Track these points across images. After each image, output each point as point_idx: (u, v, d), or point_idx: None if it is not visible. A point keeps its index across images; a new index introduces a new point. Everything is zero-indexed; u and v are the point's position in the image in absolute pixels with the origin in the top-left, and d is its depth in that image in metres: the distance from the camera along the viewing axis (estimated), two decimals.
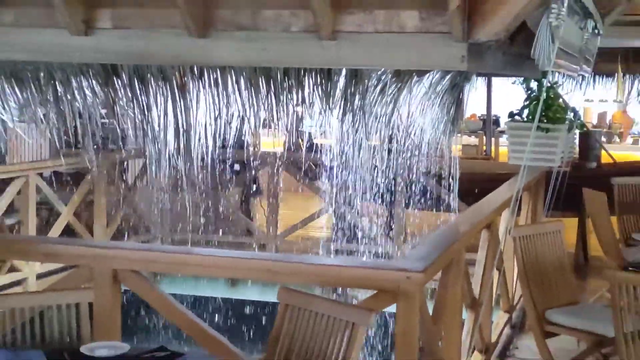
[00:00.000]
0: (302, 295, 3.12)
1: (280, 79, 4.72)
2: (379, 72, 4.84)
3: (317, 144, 9.10)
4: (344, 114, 4.89)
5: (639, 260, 6.55)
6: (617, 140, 14.04)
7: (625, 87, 16.51)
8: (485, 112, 11.72)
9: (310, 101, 4.86)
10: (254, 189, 10.37)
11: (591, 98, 15.59)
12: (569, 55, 4.74)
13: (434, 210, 8.48)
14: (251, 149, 9.36)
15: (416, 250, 3.78)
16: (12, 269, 7.46)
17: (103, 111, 6.13)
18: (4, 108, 5.41)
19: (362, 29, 4.05)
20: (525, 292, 4.63)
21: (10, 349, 2.89)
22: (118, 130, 7.28)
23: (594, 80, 15.93)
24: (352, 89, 4.75)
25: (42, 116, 5.80)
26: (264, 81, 4.77)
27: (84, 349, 2.85)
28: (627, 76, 16.92)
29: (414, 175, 7.81)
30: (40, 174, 8.04)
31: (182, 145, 5.39)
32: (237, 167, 10.11)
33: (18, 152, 8.97)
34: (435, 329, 3.77)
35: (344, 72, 4.65)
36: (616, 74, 16.27)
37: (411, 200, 8.31)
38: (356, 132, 5.23)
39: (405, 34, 3.99)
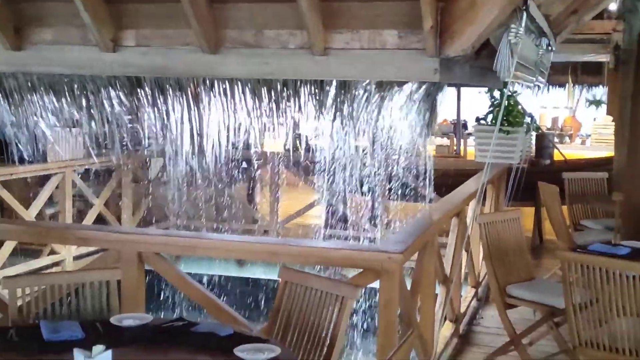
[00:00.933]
0: (299, 273, 3.13)
1: (280, 89, 4.72)
2: (365, 83, 4.84)
3: (312, 145, 9.10)
4: (335, 119, 4.89)
5: (585, 242, 6.56)
6: (568, 141, 14.07)
7: (574, 96, 16.58)
8: (455, 117, 11.71)
9: (306, 108, 4.88)
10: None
11: (545, 105, 15.65)
12: (525, 68, 4.75)
13: (412, 201, 8.50)
14: (256, 149, 9.35)
15: (396, 235, 3.79)
16: (52, 252, 7.46)
17: (128, 117, 6.14)
18: (42, 115, 5.40)
19: (350, 46, 4.06)
20: (489, 270, 4.65)
21: (50, 321, 2.89)
22: (141, 133, 7.29)
23: (548, 90, 15.98)
24: (342, 98, 4.75)
25: (75, 121, 5.81)
26: (265, 91, 4.77)
27: (113, 320, 2.85)
28: (576, 86, 17.01)
29: (395, 171, 7.81)
30: (76, 171, 8.02)
31: (196, 147, 5.39)
32: (244, 164, 10.11)
33: (56, 152, 8.94)
34: (413, 301, 3.78)
35: (334, 83, 4.66)
36: (567, 85, 16.34)
37: (392, 193, 8.32)
38: (345, 134, 5.24)
39: (386, 50, 4.00)
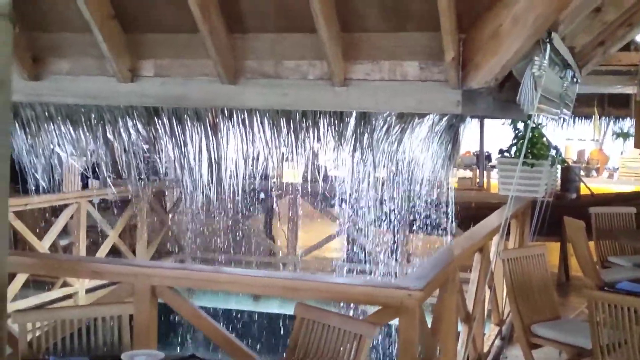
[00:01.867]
0: (316, 310, 3.10)
1: (299, 119, 4.73)
2: (385, 114, 4.85)
3: (331, 176, 9.10)
4: (355, 150, 4.89)
5: (613, 280, 6.47)
6: (595, 174, 13.95)
7: (601, 128, 16.48)
8: (478, 149, 11.67)
9: (325, 139, 4.88)
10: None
11: (571, 137, 15.56)
12: (550, 100, 4.72)
13: (434, 234, 8.44)
14: (274, 180, 9.37)
15: (416, 271, 3.75)
16: (65, 284, 7.47)
17: (145, 147, 6.18)
18: (59, 145, 5.45)
19: (370, 77, 4.06)
20: (513, 307, 4.58)
21: (60, 356, 2.87)
22: (158, 163, 7.33)
23: (574, 122, 15.90)
24: (361, 129, 4.75)
25: (91, 151, 5.85)
26: (284, 122, 4.78)
27: (124, 357, 2.83)
28: (603, 118, 16.91)
29: (416, 204, 7.77)
30: (90, 201, 8.06)
31: (214, 177, 5.40)
32: (262, 195, 10.12)
33: (70, 182, 9.01)
34: (434, 340, 3.73)
35: (354, 114, 4.67)
36: (593, 117, 16.25)
37: (414, 226, 8.28)
38: (364, 166, 5.23)
39: (407, 82, 4.00)
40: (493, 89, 4.20)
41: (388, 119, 4.96)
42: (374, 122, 4.72)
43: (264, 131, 4.90)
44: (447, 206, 7.65)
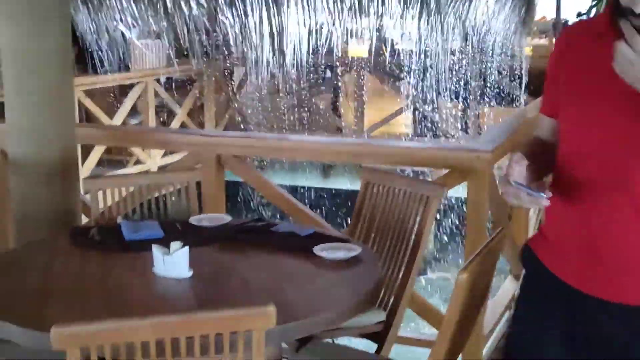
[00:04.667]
0: (382, 173, 3.06)
1: None
2: None
3: (398, 49, 8.86)
4: (421, 15, 4.73)
5: None
6: None
7: None
8: (554, 14, 11.14)
9: (390, 3, 4.72)
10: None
11: None
12: None
13: (507, 105, 8.24)
14: (339, 54, 9.19)
15: (486, 134, 3.66)
16: (138, 162, 7.66)
17: (206, 21, 6.10)
18: (121, 21, 5.45)
19: None
20: None
21: (131, 221, 2.95)
22: (222, 40, 7.26)
23: None
24: None
25: (155, 29, 5.83)
26: None
27: (192, 220, 2.89)
28: None
29: (488, 74, 7.56)
30: (158, 80, 8.13)
31: (276, 50, 5.33)
32: (327, 72, 10.00)
33: (138, 62, 9.06)
34: (504, 204, 3.67)
35: None
36: None
37: (485, 97, 8.07)
38: (432, 32, 5.05)
39: None
40: None
41: None
42: None
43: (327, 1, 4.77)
44: (521, 76, 7.43)
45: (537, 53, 10.97)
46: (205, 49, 7.69)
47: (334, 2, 4.71)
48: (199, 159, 3.71)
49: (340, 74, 9.73)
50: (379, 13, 4.74)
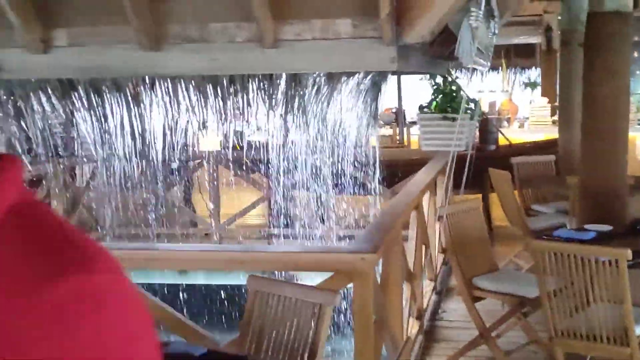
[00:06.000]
0: (270, 282, 3.01)
1: (227, 85, 4.58)
2: (314, 75, 4.76)
3: (252, 142, 8.91)
4: (287, 113, 4.79)
5: (540, 227, 6.65)
6: (506, 125, 14.26)
7: (509, 79, 16.90)
8: (396, 106, 11.75)
9: (255, 103, 4.75)
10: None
11: (482, 89, 15.88)
12: (480, 52, 4.74)
13: (361, 194, 8.45)
14: (193, 148, 9.10)
15: (364, 234, 3.70)
16: None
17: (55, 122, 5.88)
18: None
19: (301, 37, 3.95)
20: (454, 262, 4.62)
21: None
22: (71, 139, 7.00)
23: (482, 74, 16.22)
24: (292, 91, 4.65)
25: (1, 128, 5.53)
26: (211, 88, 4.63)
27: None
28: (510, 69, 17.33)
29: (342, 165, 7.74)
30: None
31: (136, 149, 5.19)
32: (181, 165, 9.85)
33: None
34: (384, 300, 3.71)
35: (284, 76, 4.56)
36: (500, 68, 16.63)
37: (339, 187, 8.24)
38: (296, 128, 5.13)
39: (340, 40, 3.91)
40: (425, 44, 4.17)
41: (317, 79, 4.86)
42: (304, 82, 4.63)
43: (189, 98, 4.73)
44: (373, 165, 7.67)
45: (382, 143, 11.48)
46: (54, 149, 7.39)
47: (197, 100, 4.68)
48: None
49: (195, 167, 9.65)
50: (245, 112, 4.76)
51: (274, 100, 4.69)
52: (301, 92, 4.70)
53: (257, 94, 4.67)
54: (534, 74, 16.71)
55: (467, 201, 5.13)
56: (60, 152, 7.76)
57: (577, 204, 5.76)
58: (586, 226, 4.61)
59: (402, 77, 11.37)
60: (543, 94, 15.24)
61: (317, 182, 8.18)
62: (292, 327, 2.86)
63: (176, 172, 9.79)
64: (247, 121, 4.86)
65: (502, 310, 4.74)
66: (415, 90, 13.58)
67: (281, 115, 4.77)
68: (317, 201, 8.97)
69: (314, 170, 7.75)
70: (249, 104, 4.73)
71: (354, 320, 3.23)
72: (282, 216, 9.08)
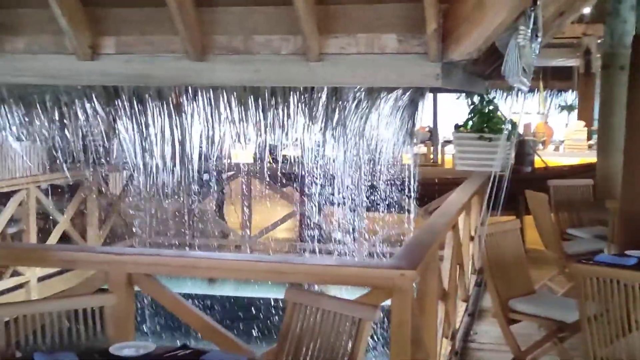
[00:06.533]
0: (309, 294, 3.01)
1: (268, 97, 4.60)
2: (355, 90, 4.77)
3: (287, 156, 8.92)
4: (326, 127, 4.80)
5: (576, 252, 6.58)
6: (541, 147, 14.16)
7: (545, 101, 16.78)
8: (431, 124, 11.72)
9: (295, 117, 4.76)
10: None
11: (517, 111, 15.78)
12: (525, 72, 4.71)
13: (395, 212, 8.41)
14: (227, 160, 9.15)
15: (402, 251, 3.68)
16: (16, 273, 7.17)
17: (94, 130, 5.94)
18: (10, 128, 5.19)
19: (346, 51, 3.96)
20: (490, 284, 4.57)
21: (44, 352, 2.71)
22: (112, 145, 7.06)
23: (517, 95, 16.14)
24: (333, 105, 4.66)
25: (45, 134, 5.60)
26: (252, 99, 4.65)
27: (112, 350, 2.69)
28: (546, 91, 17.22)
29: (377, 181, 7.72)
30: (38, 187, 7.76)
31: (176, 158, 5.23)
32: (206, 176, 9.91)
33: (10, 168, 8.65)
34: (421, 320, 3.68)
35: (325, 90, 4.57)
36: (537, 90, 16.53)
37: (373, 204, 8.22)
38: (335, 143, 5.13)
39: (385, 55, 3.92)
40: (469, 61, 4.16)
41: (357, 94, 4.87)
42: (345, 97, 4.63)
43: (230, 109, 4.76)
44: (408, 184, 7.64)
45: (417, 161, 11.46)
46: (89, 156, 7.46)
47: (239, 112, 4.70)
48: (106, 278, 3.50)
49: (228, 179, 9.69)
50: (285, 126, 4.77)
51: (314, 113, 4.71)
52: (341, 106, 4.71)
53: (298, 106, 4.68)
54: (570, 97, 16.56)
55: (506, 222, 5.08)
56: (97, 160, 7.85)
57: (616, 229, 5.69)
58: (627, 252, 4.54)
59: (438, 95, 11.35)
60: (579, 118, 15.11)
61: (352, 198, 8.15)
62: (330, 340, 2.85)
63: (209, 184, 9.86)
64: (286, 134, 4.88)
65: (535, 334, 4.68)
66: (449, 109, 13.55)
67: (320, 128, 4.78)
68: (350, 217, 8.95)
69: (348, 186, 7.73)
70: (288, 117, 4.74)
71: (391, 337, 3.20)
72: (313, 230, 9.08)
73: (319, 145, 5.72)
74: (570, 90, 17.40)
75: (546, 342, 4.47)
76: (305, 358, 2.90)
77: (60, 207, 8.16)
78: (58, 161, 7.18)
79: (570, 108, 15.90)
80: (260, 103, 4.67)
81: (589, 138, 14.17)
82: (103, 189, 8.85)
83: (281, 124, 4.80)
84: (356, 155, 6.03)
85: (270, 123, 4.80)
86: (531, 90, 16.51)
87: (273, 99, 4.63)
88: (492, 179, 5.50)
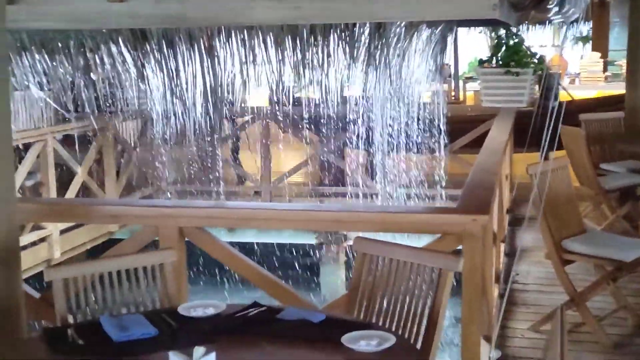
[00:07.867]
0: (380, 244, 2.84)
1: (307, 36, 4.38)
2: (395, 26, 4.54)
3: (299, 98, 8.68)
4: (368, 66, 4.59)
5: (614, 186, 6.43)
6: None
7: (559, 33, 16.39)
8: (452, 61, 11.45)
9: (336, 56, 4.55)
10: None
11: (532, 44, 15.44)
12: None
13: (421, 152, 8.20)
14: (243, 104, 8.89)
15: (465, 193, 3.50)
16: (37, 227, 7.03)
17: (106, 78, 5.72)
18: (33, 76, 4.98)
19: None
20: (543, 223, 4.41)
21: (111, 316, 2.56)
22: (124, 94, 6.83)
23: (527, 29, 15.73)
24: (376, 43, 4.44)
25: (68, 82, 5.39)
26: (290, 39, 4.43)
27: (181, 310, 2.54)
28: (560, 23, 16.80)
29: (405, 121, 7.50)
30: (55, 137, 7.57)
31: (209, 103, 5.04)
32: (230, 123, 9.71)
33: (37, 119, 8.39)
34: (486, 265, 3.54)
35: (367, 26, 4.35)
36: (546, 22, 16.12)
37: (399, 145, 7.99)
38: (377, 83, 4.93)
39: None
40: None
41: (397, 30, 4.64)
42: (388, 34, 4.41)
43: (266, 50, 4.54)
44: (438, 123, 7.45)
45: (445, 99, 11.21)
46: (101, 104, 7.24)
47: (276, 53, 4.49)
48: (156, 232, 3.34)
49: (244, 124, 9.46)
50: (324, 65, 4.56)
51: (355, 51, 4.49)
52: (384, 43, 4.49)
53: (339, 45, 4.46)
54: (586, 28, 16.16)
55: (555, 159, 4.89)
56: (113, 108, 7.63)
57: None
58: None
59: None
60: (594, 49, 14.77)
61: (388, 138, 7.87)
62: (407, 292, 2.70)
63: (231, 127, 9.66)
64: (327, 74, 4.67)
65: (582, 274, 4.55)
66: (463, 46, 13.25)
67: (362, 68, 4.57)
68: (370, 159, 8.76)
69: (383, 127, 7.48)
70: (329, 55, 4.53)
71: (463, 284, 3.06)
72: (332, 174, 8.91)
73: (342, 86, 5.51)
74: (583, 21, 16.98)
75: (603, 282, 4.34)
76: (379, 310, 2.76)
77: (73, 158, 7.97)
78: (73, 110, 6.99)
79: (585, 39, 15.53)
80: (298, 43, 4.46)
81: (605, 70, 13.87)
82: (119, 138, 8.65)
83: (320, 63, 4.59)
84: (396, 93, 5.82)
85: (308, 63, 4.59)
86: (540, 23, 16.13)
87: (312, 37, 4.41)
88: (534, 114, 5.31)
